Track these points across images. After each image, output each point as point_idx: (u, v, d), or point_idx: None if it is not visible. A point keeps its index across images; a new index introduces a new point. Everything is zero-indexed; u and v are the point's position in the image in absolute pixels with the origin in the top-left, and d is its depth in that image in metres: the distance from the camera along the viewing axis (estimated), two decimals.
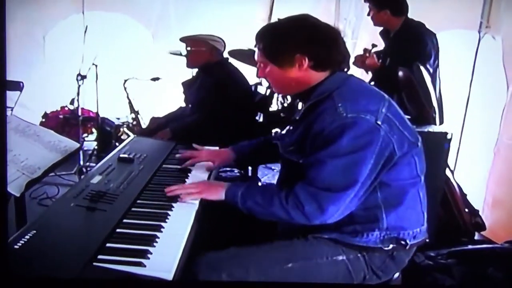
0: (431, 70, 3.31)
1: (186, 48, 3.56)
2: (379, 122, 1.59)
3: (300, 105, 1.83)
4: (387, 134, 1.60)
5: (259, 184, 3.87)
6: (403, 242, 1.71)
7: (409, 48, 3.32)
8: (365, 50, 3.51)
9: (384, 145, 1.60)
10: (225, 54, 3.74)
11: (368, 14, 3.58)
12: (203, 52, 3.51)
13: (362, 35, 5.05)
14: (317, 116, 1.64)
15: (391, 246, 1.70)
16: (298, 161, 1.71)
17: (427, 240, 1.84)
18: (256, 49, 1.78)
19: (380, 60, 3.55)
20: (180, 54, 3.62)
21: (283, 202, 1.63)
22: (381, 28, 3.66)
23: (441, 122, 3.30)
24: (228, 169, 4.07)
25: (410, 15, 3.51)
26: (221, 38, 3.58)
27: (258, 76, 1.84)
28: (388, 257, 1.73)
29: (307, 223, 1.64)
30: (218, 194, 1.78)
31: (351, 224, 1.68)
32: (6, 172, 1.53)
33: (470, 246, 2.76)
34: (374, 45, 3.56)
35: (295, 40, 1.68)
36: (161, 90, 4.80)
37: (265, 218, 1.70)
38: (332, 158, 1.58)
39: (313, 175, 1.62)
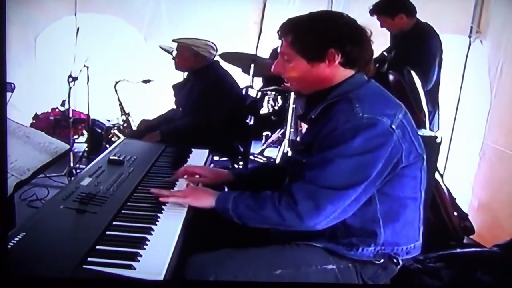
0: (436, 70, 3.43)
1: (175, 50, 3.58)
2: (393, 126, 1.56)
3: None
4: (399, 139, 1.57)
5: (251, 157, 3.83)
6: (395, 260, 1.69)
7: (416, 47, 3.41)
8: None
9: (395, 151, 1.57)
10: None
11: (382, 27, 3.60)
12: (186, 57, 3.53)
13: None
14: (331, 116, 1.61)
15: (382, 260, 1.69)
16: (302, 160, 1.68)
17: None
18: (280, 41, 1.70)
19: (377, 65, 3.56)
20: (170, 53, 3.63)
21: (276, 203, 1.59)
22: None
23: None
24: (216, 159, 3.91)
25: None
26: (211, 43, 3.56)
27: (274, 70, 1.74)
28: (381, 268, 1.72)
29: (299, 226, 1.59)
30: (206, 201, 1.73)
31: (348, 237, 1.66)
32: (6, 174, 1.53)
33: (458, 250, 2.76)
34: None
35: (331, 35, 1.63)
36: (152, 93, 4.79)
37: (257, 224, 1.65)
38: (341, 158, 1.55)
39: (316, 173, 1.57)
